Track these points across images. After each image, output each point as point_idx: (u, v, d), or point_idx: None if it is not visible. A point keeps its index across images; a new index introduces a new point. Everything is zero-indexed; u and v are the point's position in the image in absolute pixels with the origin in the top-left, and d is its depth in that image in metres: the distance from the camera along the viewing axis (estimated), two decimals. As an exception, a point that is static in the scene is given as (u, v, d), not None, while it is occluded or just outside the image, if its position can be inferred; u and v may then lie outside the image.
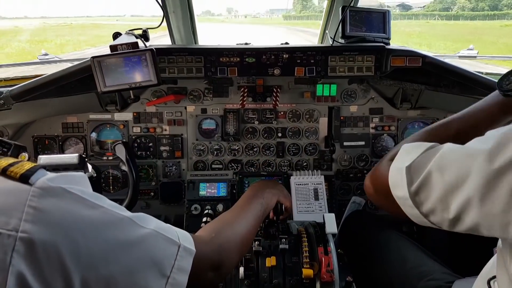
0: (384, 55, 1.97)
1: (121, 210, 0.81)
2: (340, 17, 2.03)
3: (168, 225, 0.91)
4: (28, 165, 0.71)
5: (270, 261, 1.62)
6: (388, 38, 2.11)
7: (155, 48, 1.67)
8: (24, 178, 0.68)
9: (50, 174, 0.72)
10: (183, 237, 0.92)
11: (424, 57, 1.95)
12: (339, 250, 1.85)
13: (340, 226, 2.02)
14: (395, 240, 1.70)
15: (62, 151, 2.29)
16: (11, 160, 0.72)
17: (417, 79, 2.11)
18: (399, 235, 1.73)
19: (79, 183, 0.77)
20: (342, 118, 2.34)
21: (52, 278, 0.66)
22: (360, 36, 2.05)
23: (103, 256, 0.72)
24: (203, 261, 0.97)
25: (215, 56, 1.95)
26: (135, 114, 2.30)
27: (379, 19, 2.11)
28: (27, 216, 0.65)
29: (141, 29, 1.78)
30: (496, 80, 1.08)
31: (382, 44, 2.02)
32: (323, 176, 2.18)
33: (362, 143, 2.37)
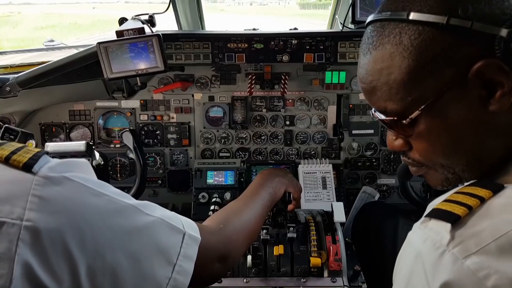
0: None
1: (126, 198, 0.80)
2: (350, 1, 1.97)
3: (173, 213, 0.90)
4: (31, 153, 0.69)
5: (278, 250, 1.62)
6: (400, 23, 2.05)
7: (161, 34, 1.65)
8: (27, 167, 0.67)
9: (53, 162, 0.71)
10: (188, 225, 0.91)
11: None
12: (347, 239, 1.84)
13: (355, 215, 2.00)
14: (406, 230, 1.68)
15: (69, 138, 2.29)
16: (12, 146, 0.71)
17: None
18: (409, 225, 1.71)
19: (82, 170, 0.76)
20: (351, 106, 2.30)
21: (58, 267, 0.65)
22: (370, 21, 2.00)
23: (108, 244, 0.72)
24: (210, 252, 0.97)
25: (222, 42, 1.92)
26: (142, 101, 2.28)
27: (391, 4, 2.05)
28: (31, 205, 0.64)
29: (147, 14, 1.75)
30: None
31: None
32: (331, 164, 2.16)
33: (371, 131, 2.34)
